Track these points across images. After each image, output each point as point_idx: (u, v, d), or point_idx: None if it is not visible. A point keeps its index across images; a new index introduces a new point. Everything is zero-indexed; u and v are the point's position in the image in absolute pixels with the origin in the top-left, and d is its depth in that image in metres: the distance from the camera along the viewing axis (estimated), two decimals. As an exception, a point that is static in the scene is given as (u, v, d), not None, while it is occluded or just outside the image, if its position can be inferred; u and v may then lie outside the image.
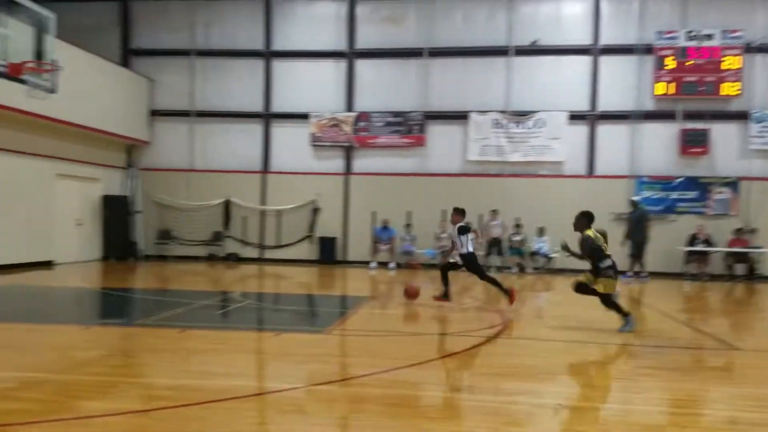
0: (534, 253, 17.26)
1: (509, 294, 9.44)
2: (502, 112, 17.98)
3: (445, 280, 9.67)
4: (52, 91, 10.71)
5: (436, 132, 18.31)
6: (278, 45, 18.68)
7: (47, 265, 15.12)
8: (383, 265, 17.35)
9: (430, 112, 18.21)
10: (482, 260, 17.28)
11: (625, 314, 7.77)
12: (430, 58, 18.17)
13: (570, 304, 9.61)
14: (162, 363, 5.93)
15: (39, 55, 10.62)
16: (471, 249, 9.52)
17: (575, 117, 17.69)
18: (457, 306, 9.78)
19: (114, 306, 10.45)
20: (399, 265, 17.38)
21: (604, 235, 8.04)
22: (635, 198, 16.61)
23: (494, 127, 18.01)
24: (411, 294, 9.83)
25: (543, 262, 17.19)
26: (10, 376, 5.10)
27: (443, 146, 18.25)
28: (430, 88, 18.24)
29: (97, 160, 17.39)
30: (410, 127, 18.26)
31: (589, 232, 7.93)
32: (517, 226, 17.27)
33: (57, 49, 10.97)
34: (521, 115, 17.90)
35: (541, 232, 17.12)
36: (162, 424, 4.05)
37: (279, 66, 18.77)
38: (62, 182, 15.88)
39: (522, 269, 17.13)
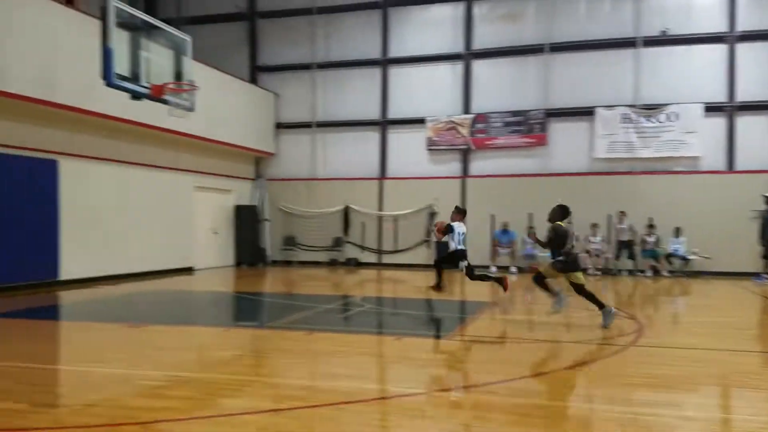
0: (670, 255, 16.13)
1: (503, 282, 9.44)
2: (631, 106, 17.02)
3: (439, 274, 9.75)
4: (190, 109, 11.52)
5: (559, 130, 17.67)
6: (394, 52, 18.93)
7: (188, 271, 16.32)
8: (504, 269, 17.00)
9: (552, 110, 17.62)
10: (612, 264, 16.56)
11: (554, 294, 8.12)
12: (551, 54, 17.59)
13: (711, 310, 8.86)
14: (292, 364, 6.16)
15: (178, 75, 11.51)
16: (460, 247, 9.52)
17: (711, 109, 16.36)
18: (587, 312, 9.34)
19: (247, 309, 11.07)
20: (521, 269, 16.96)
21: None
22: None
23: (623, 122, 17.09)
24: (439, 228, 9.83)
25: (680, 264, 16.04)
26: (161, 374, 5.53)
27: (567, 144, 17.59)
28: (552, 84, 17.66)
29: (229, 173, 18.55)
30: (531, 126, 17.77)
31: (561, 223, 8.08)
32: (650, 226, 16.23)
33: (193, 70, 11.85)
34: (652, 109, 16.85)
35: (677, 232, 15.99)
36: (296, 423, 4.18)
37: (395, 73, 19.02)
38: (200, 194, 17.10)
39: (657, 272, 16.07)
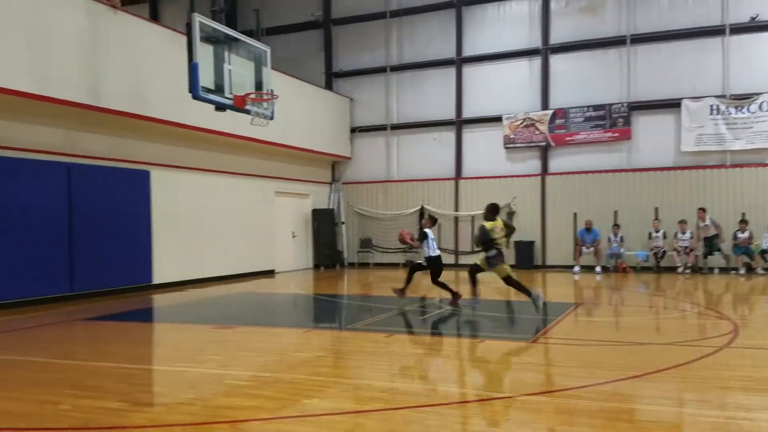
0: (764, 252, 15.13)
1: (455, 295, 9.71)
2: (720, 96, 16.11)
3: (409, 278, 10.05)
4: (270, 117, 11.90)
5: (643, 123, 16.98)
6: (469, 51, 18.77)
7: (270, 273, 16.82)
8: (588, 269, 16.47)
9: (635, 103, 16.94)
10: (702, 262, 15.70)
11: (473, 293, 9.29)
12: (633, 46, 16.93)
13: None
14: (373, 366, 6.21)
15: (258, 85, 11.92)
16: (435, 253, 9.93)
17: (809, 96, 15.25)
18: (677, 312, 8.90)
19: (326, 311, 11.27)
20: (606, 269, 16.38)
21: (509, 227, 9.47)
22: None
23: (711, 114, 16.21)
24: (403, 238, 10.22)
25: (776, 261, 15.03)
26: (249, 374, 5.72)
27: (652, 138, 16.87)
28: (634, 77, 16.98)
29: (306, 177, 18.98)
30: (613, 120, 17.15)
31: (487, 224, 8.92)
32: (743, 221, 15.28)
33: (271, 78, 12.22)
34: (743, 99, 15.89)
35: (773, 227, 15.00)
36: (381, 425, 4.22)
37: (470, 71, 18.85)
38: (279, 199, 17.60)
39: (750, 269, 15.12)
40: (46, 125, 11.16)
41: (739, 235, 15.32)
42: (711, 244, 15.45)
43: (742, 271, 15.12)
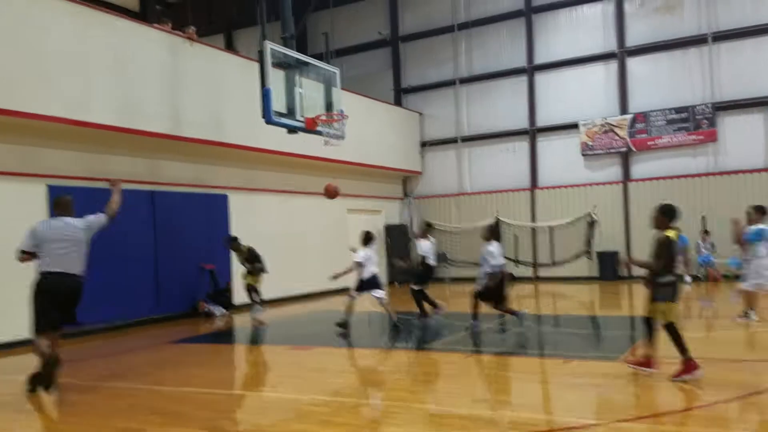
0: None
1: (435, 306, 10.57)
2: (813, 90, 14.98)
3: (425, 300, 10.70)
4: (341, 137, 11.98)
5: (730, 124, 15.98)
6: (541, 58, 18.33)
7: (344, 291, 16.86)
8: (677, 278, 15.55)
9: (720, 103, 15.99)
10: None
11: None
12: (715, 44, 16.02)
13: None
14: (451, 389, 6.01)
15: (329, 106, 12.04)
16: (431, 262, 10.73)
17: None
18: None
19: (403, 329, 11.04)
20: (696, 278, 15.45)
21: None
22: None
23: (805, 110, 15.08)
24: (330, 192, 10.65)
25: None
26: (325, 399, 5.68)
27: (740, 139, 15.84)
28: (718, 76, 16.05)
29: (378, 194, 19.03)
30: (698, 122, 16.24)
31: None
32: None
33: (341, 98, 12.32)
34: (839, 92, 14.69)
35: None
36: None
37: (542, 79, 18.39)
38: (352, 216, 17.69)
39: None
40: (131, 156, 11.71)
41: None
42: None
43: None
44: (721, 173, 16.00)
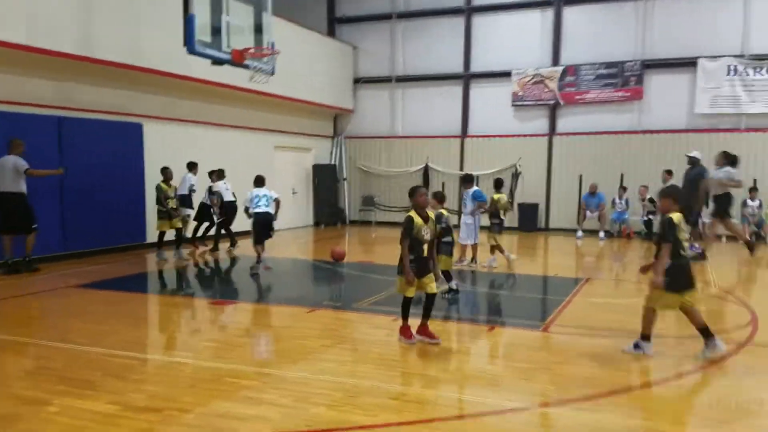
0: (775, 221, 14.82)
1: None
2: (739, 56, 15.47)
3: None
4: (271, 73, 11.24)
5: (657, 83, 16.36)
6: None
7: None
8: (592, 233, 16.16)
9: (649, 61, 16.27)
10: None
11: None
12: (650, 0, 16.10)
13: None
14: (384, 364, 5.83)
15: (258, 29, 11.09)
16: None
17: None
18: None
19: (327, 282, 10.65)
20: (609, 234, 16.08)
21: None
22: (693, 153, 12.45)
23: (728, 75, 15.61)
24: (337, 256, 11.23)
25: (786, 230, 14.72)
26: (250, 370, 5.38)
27: (665, 99, 16.29)
28: (650, 33, 16.28)
29: (307, 131, 18.36)
30: (626, 78, 16.50)
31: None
32: (753, 189, 14.89)
33: (272, 25, 11.42)
34: (762, 60, 15.27)
35: (785, 196, 14.61)
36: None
37: (480, 22, 18.02)
38: (279, 154, 17.03)
39: (759, 238, 14.81)
40: (38, 77, 10.59)
41: (749, 202, 14.94)
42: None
43: (753, 240, 14.67)
44: (644, 132, 16.46)
